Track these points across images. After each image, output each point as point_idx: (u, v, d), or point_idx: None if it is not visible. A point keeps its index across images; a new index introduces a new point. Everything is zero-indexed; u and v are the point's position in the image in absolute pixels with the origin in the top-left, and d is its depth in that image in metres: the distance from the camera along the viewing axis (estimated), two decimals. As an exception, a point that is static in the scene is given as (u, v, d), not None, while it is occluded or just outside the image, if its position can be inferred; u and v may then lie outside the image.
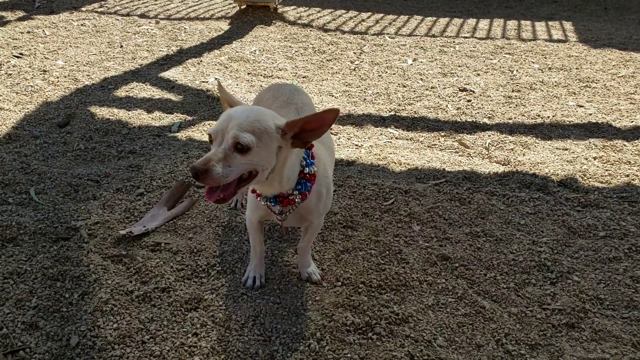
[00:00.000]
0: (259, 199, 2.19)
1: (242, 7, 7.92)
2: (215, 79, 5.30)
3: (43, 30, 6.64)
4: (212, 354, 2.16)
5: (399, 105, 4.84)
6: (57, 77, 5.09)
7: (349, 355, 2.16)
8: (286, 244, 2.86)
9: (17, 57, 5.63)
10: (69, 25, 6.95)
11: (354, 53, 6.42)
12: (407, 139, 4.18)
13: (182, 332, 2.26)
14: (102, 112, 4.38)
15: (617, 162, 3.79)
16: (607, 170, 3.67)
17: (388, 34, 7.31)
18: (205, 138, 4.03)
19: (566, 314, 2.41)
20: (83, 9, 7.79)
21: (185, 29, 7.12)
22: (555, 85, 5.40)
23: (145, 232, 2.87)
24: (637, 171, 3.66)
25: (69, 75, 5.16)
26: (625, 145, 4.06)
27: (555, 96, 5.11)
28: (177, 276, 2.57)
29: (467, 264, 2.72)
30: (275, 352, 2.17)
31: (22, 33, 6.49)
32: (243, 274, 2.59)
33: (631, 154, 3.91)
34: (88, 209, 3.06)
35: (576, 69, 5.93)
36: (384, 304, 2.43)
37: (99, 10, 7.79)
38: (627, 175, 3.60)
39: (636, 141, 4.12)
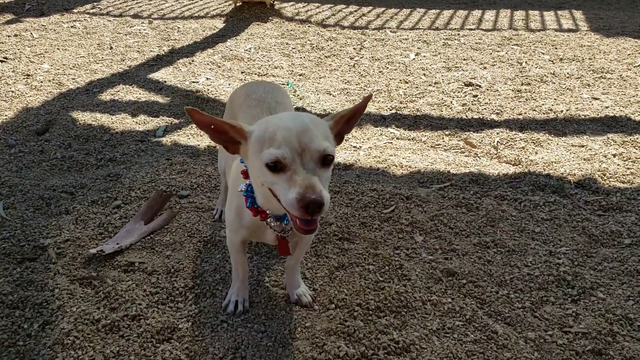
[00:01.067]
0: (267, 219, 1.86)
1: (237, 5, 7.64)
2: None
3: (31, 33, 6.39)
4: (184, 395, 1.88)
5: (401, 102, 4.53)
6: (41, 82, 4.83)
7: (341, 393, 1.87)
8: (275, 260, 2.57)
9: (1, 61, 5.37)
10: (59, 27, 6.69)
11: (354, 49, 6.12)
12: (409, 139, 3.88)
13: (151, 368, 1.98)
14: (84, 117, 4.11)
15: (639, 160, 3.47)
16: (628, 168, 3.36)
17: (390, 28, 6.99)
18: (192, 142, 3.76)
19: (591, 339, 2.10)
20: (75, 10, 7.53)
21: (178, 28, 6.85)
22: (567, 77, 5.07)
23: (119, 249, 2.60)
24: (661, 169, 3.34)
25: (53, 80, 4.90)
26: (646, 141, 3.74)
27: (568, 88, 4.78)
28: (149, 301, 2.29)
29: (476, 280, 2.42)
30: (256, 391, 1.89)
31: (8, 36, 6.25)
32: (224, 297, 2.31)
33: (654, 150, 3.60)
34: (59, 225, 2.79)
35: (589, 59, 5.59)
36: (383, 330, 2.13)
37: (91, 11, 7.53)
38: (651, 174, 3.28)
39: (658, 136, 3.80)
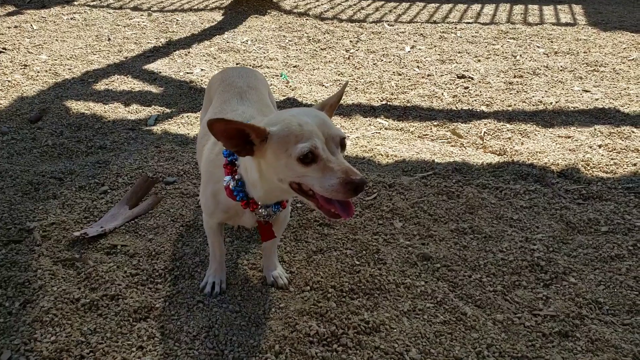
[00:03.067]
0: (259, 209, 1.93)
1: (236, -3, 7.68)
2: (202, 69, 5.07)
3: (31, 25, 6.46)
4: (156, 371, 1.93)
5: (392, 94, 4.56)
6: (37, 72, 4.89)
7: (309, 371, 1.92)
8: (254, 245, 2.62)
9: (0, 51, 5.44)
10: (58, 19, 6.76)
11: (350, 41, 6.15)
12: (396, 129, 3.91)
13: (126, 344, 2.03)
14: (78, 106, 4.17)
15: (624, 150, 3.49)
16: (612, 159, 3.38)
17: (387, 21, 7.02)
18: (181, 131, 3.81)
19: (559, 321, 2.14)
20: (75, 2, 7.60)
21: (177, 20, 6.90)
22: (560, 70, 5.08)
23: (102, 233, 2.65)
24: (645, 159, 3.36)
25: (50, 70, 4.96)
26: (633, 132, 3.75)
27: (560, 81, 4.80)
28: (129, 282, 2.34)
29: (450, 264, 2.45)
30: (226, 367, 1.94)
31: (9, 28, 6.32)
32: (202, 279, 2.36)
33: (639, 141, 3.61)
34: (46, 209, 2.84)
35: (584, 52, 5.60)
36: (354, 311, 2.17)
37: (92, 3, 7.60)
38: (635, 164, 3.30)
39: (645, 127, 3.82)
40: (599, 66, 5.16)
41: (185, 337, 2.06)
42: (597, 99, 4.36)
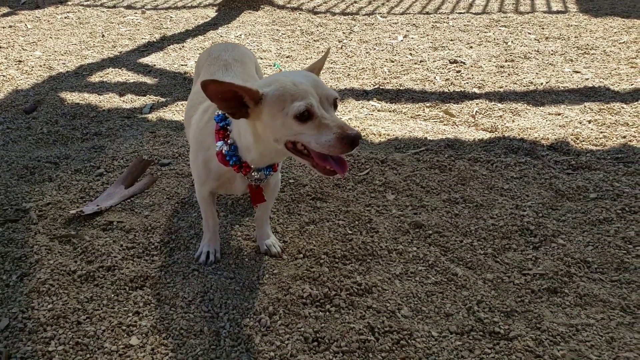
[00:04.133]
0: (252, 172, 1.99)
1: (229, -6, 7.73)
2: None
3: (25, 25, 6.50)
4: (152, 333, 1.96)
5: (384, 79, 4.60)
6: (32, 67, 4.93)
7: (302, 329, 1.95)
8: (248, 218, 2.65)
9: (-5, 49, 5.48)
10: (52, 18, 6.80)
11: (343, 33, 6.19)
12: (389, 111, 3.95)
13: (122, 311, 2.06)
14: (72, 97, 4.21)
15: (613, 125, 3.53)
16: (602, 132, 3.42)
17: (380, 13, 7.06)
18: (177, 118, 3.84)
19: (548, 279, 2.17)
20: (69, 2, 7.64)
21: (171, 17, 6.94)
22: (551, 54, 5.12)
23: (98, 211, 2.68)
24: (635, 132, 3.39)
25: (44, 65, 5.00)
26: (623, 107, 3.79)
27: (550, 64, 4.84)
28: (125, 254, 2.37)
29: (441, 230, 2.49)
30: (221, 328, 1.97)
31: (3, 28, 6.36)
32: (197, 250, 2.39)
33: (629, 116, 3.65)
34: (42, 191, 2.87)
35: (575, 37, 5.65)
36: (347, 275, 2.21)
37: (85, 3, 7.64)
38: (624, 137, 3.34)
39: (635, 103, 3.86)
40: (590, 49, 5.21)
41: (181, 302, 2.09)
42: (587, 79, 4.40)
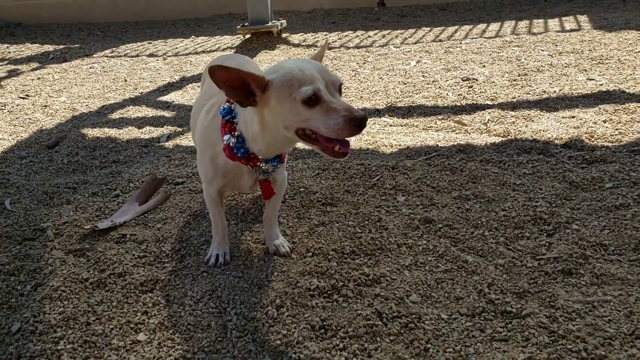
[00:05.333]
0: (260, 164, 2.02)
1: (246, 37, 7.96)
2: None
3: (52, 76, 6.79)
4: (160, 329, 1.95)
5: (397, 98, 4.64)
6: (57, 110, 5.12)
7: (309, 318, 1.92)
8: (258, 224, 2.65)
9: (23, 98, 5.72)
10: (78, 69, 7.09)
11: (357, 63, 6.29)
12: (401, 125, 3.96)
13: (131, 311, 2.07)
14: (93, 132, 4.35)
15: (629, 122, 3.47)
16: (617, 129, 3.36)
17: (393, 44, 7.17)
18: (193, 144, 3.92)
19: (562, 261, 2.11)
20: (94, 55, 7.97)
21: (191, 61, 7.17)
22: (565, 66, 5.10)
23: (112, 226, 2.72)
24: (652, 128, 3.33)
25: (68, 107, 5.19)
26: (639, 107, 3.73)
27: (564, 74, 4.82)
28: (137, 262, 2.40)
29: (452, 224, 2.45)
30: (228, 322, 1.95)
31: (32, 80, 6.65)
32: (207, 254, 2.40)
33: (645, 114, 3.59)
34: (60, 212, 2.94)
35: (589, 50, 5.62)
36: (355, 268, 2.18)
37: (110, 55, 7.96)
38: (640, 132, 3.28)
39: (652, 102, 3.79)
40: (604, 59, 5.17)
41: (190, 301, 2.09)
42: (601, 84, 4.36)
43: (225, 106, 2.01)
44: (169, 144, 3.96)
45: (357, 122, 1.67)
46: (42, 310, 2.10)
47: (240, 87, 1.79)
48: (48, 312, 2.09)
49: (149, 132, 4.28)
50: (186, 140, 4.02)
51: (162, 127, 4.40)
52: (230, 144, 1.98)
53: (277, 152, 2.03)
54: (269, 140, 1.92)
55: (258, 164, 2.02)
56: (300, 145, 3.05)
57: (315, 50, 7.17)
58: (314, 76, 1.73)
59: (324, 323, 1.89)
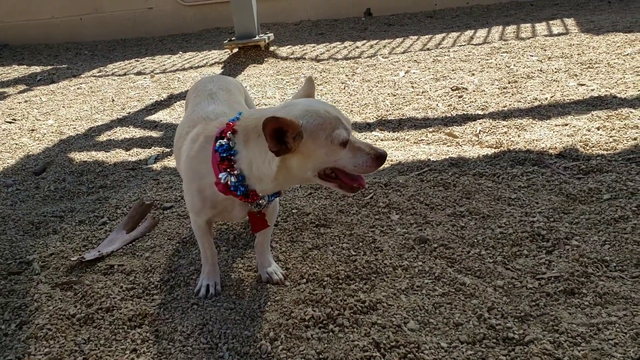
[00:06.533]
0: (260, 199, 1.98)
1: (233, 51, 7.91)
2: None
3: (40, 98, 6.71)
4: (149, 369, 1.88)
5: (387, 111, 4.59)
6: (44, 134, 5.04)
7: (304, 352, 1.85)
8: (249, 250, 2.58)
9: (9, 122, 5.64)
10: (66, 90, 7.01)
11: (346, 75, 6.25)
12: (392, 140, 3.91)
13: (120, 349, 1.99)
14: (80, 156, 4.27)
15: (622, 129, 3.43)
16: (611, 137, 3.32)
17: (382, 54, 7.14)
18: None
19: (564, 281, 2.05)
20: (82, 75, 7.90)
21: (178, 78, 7.11)
22: (555, 72, 5.07)
23: (100, 256, 2.65)
24: (646, 134, 3.29)
25: (55, 131, 5.11)
26: (632, 112, 3.69)
27: (555, 80, 4.78)
28: (125, 295, 2.32)
29: (447, 243, 2.39)
30: (220, 358, 1.88)
31: (19, 103, 6.57)
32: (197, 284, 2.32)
33: (639, 119, 3.54)
34: (46, 243, 2.86)
35: (578, 54, 5.60)
36: (350, 294, 2.11)
37: (97, 74, 7.88)
38: (635, 139, 3.23)
39: (644, 107, 3.75)
40: (594, 63, 5.15)
41: (179, 337, 2.02)
42: (592, 90, 4.32)
43: (223, 143, 1.89)
44: (157, 166, 3.89)
45: (383, 159, 1.78)
46: (27, 351, 2.02)
47: (278, 136, 1.73)
48: (33, 352, 2.01)
49: (136, 154, 4.21)
50: (174, 162, 3.95)
51: (150, 147, 4.33)
52: (229, 183, 1.90)
53: (283, 189, 1.99)
54: (282, 181, 1.87)
55: (261, 199, 1.97)
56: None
57: (303, 62, 7.13)
58: (340, 118, 1.78)
59: (320, 356, 1.82)
